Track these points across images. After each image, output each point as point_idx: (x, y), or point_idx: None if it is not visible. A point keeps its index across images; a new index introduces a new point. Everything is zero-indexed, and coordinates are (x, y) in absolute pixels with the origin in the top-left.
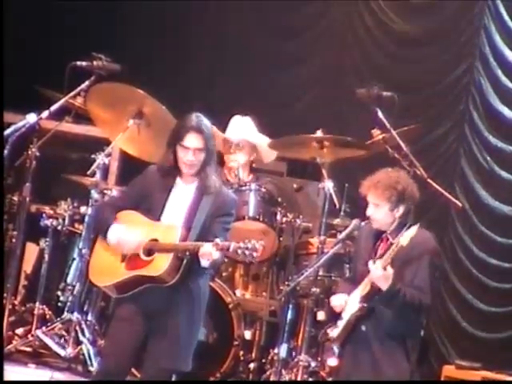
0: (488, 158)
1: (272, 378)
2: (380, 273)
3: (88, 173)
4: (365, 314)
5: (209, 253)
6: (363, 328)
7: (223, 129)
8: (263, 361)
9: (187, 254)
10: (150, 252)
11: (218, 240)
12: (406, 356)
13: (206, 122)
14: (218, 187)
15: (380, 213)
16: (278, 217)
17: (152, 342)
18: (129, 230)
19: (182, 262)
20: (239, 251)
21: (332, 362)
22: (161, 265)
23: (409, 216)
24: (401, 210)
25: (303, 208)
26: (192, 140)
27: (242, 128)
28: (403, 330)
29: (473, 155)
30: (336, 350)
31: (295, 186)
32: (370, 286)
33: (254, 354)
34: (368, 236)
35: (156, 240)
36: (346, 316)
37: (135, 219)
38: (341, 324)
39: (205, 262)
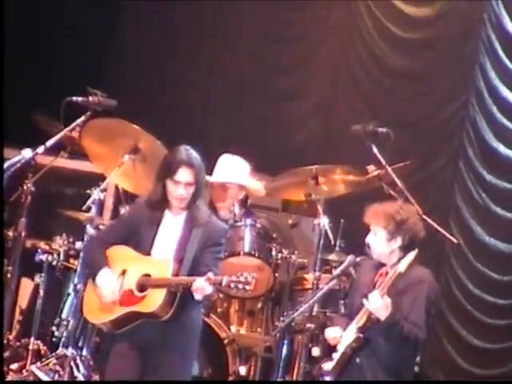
0: (483, 195)
1: None
2: (379, 302)
3: (83, 208)
4: (360, 346)
5: (202, 287)
6: (357, 360)
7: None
8: None
9: (180, 288)
10: (142, 288)
11: (210, 274)
12: None
13: (195, 155)
14: (207, 218)
15: (377, 241)
16: (274, 252)
17: (147, 377)
18: (108, 283)
19: (175, 296)
20: (232, 285)
21: None
22: (154, 300)
23: (409, 250)
24: (398, 241)
25: (298, 244)
26: (183, 174)
27: (228, 170)
28: (398, 364)
29: (468, 191)
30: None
31: (290, 221)
32: (367, 317)
33: None
34: (367, 271)
35: (148, 275)
36: (341, 348)
37: (126, 255)
38: (336, 356)
39: (198, 296)
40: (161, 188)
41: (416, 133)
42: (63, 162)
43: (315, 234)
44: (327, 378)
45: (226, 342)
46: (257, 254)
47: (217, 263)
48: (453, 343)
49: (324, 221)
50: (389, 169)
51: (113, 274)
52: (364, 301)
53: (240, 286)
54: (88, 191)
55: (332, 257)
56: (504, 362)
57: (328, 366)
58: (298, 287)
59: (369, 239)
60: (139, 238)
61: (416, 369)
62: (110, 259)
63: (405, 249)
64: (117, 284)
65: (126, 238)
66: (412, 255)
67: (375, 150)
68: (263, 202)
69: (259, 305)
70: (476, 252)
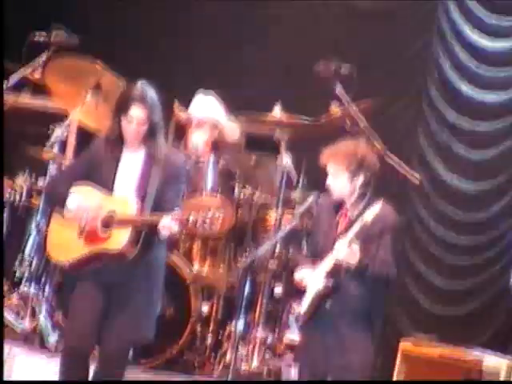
0: (446, 135)
1: (229, 353)
2: (347, 250)
3: (46, 146)
4: (329, 293)
5: (169, 225)
6: (327, 306)
7: (187, 105)
8: (220, 335)
9: (146, 226)
10: (107, 226)
11: (176, 212)
12: (370, 332)
13: (150, 92)
14: (166, 153)
15: (339, 182)
16: (236, 191)
17: (112, 315)
18: (87, 198)
19: (140, 234)
20: (199, 222)
21: (290, 336)
22: (120, 238)
23: (369, 187)
24: (360, 179)
25: (261, 182)
26: (135, 111)
27: (205, 106)
28: (369, 306)
29: (430, 131)
30: (295, 325)
31: (253, 159)
32: (335, 264)
33: (210, 329)
34: (328, 210)
35: (113, 213)
36: (311, 293)
37: (90, 192)
38: (306, 301)
39: (164, 234)
40: (117, 125)
41: (378, 73)
42: (26, 99)
43: (278, 172)
44: (293, 321)
45: (188, 280)
46: (219, 192)
47: (179, 199)
48: (414, 281)
49: (287, 159)
50: (352, 107)
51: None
52: (336, 245)
53: (207, 222)
54: (51, 129)
55: (295, 195)
56: (465, 302)
57: (300, 309)
58: (260, 226)
59: (329, 181)
60: (100, 176)
61: None
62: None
63: (365, 186)
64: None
65: (85, 176)
66: (378, 206)
67: (339, 88)
68: (223, 140)
69: (222, 244)
70: (438, 191)
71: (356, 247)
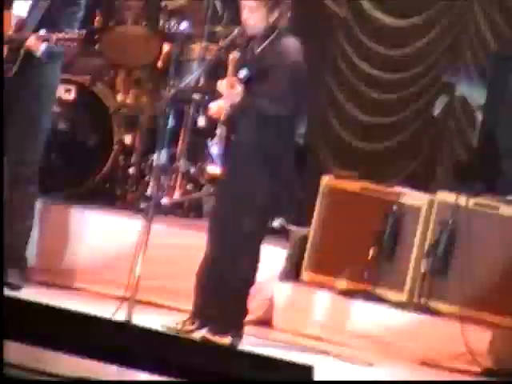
0: None
1: (151, 184)
2: (225, 91)
3: None
4: (229, 125)
5: (33, 44)
6: (232, 137)
7: None
8: (142, 166)
9: (22, 46)
10: None
11: (41, 31)
12: (267, 164)
13: None
14: None
15: (256, 17)
16: (161, 22)
17: (9, 136)
18: None
19: (18, 54)
20: (60, 42)
21: (211, 169)
22: None
23: (281, 22)
24: (275, 14)
25: (186, 13)
26: None
27: None
28: (265, 141)
29: None
30: (215, 157)
31: None
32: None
33: (133, 159)
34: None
35: None
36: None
37: None
38: (217, 134)
39: (39, 54)
40: None
41: None
42: None
43: (204, 3)
44: (213, 154)
45: (111, 110)
46: (144, 23)
47: (71, 23)
48: (337, 117)
49: None
50: None
51: None
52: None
53: (67, 43)
54: None
55: (220, 28)
56: (388, 137)
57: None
58: (185, 57)
59: (245, 16)
60: None
61: (301, 141)
62: None
63: (277, 21)
64: None
65: None
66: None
67: None
68: None
69: (146, 74)
70: (363, 26)
71: (238, 88)
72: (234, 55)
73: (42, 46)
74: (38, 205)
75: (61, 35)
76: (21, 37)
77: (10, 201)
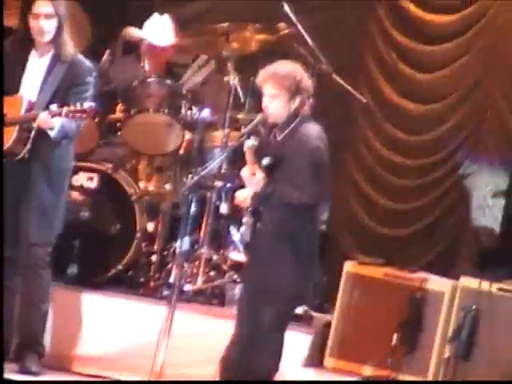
0: (393, 55)
1: (174, 271)
2: (248, 180)
3: None
4: (256, 213)
5: (44, 120)
6: (258, 225)
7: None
8: (165, 253)
9: (33, 125)
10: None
11: (52, 106)
12: (291, 253)
13: None
14: (73, 54)
15: (277, 104)
16: (183, 110)
17: (21, 218)
18: None
19: (29, 133)
20: (70, 115)
21: (234, 255)
22: (7, 138)
23: (303, 109)
24: (297, 101)
25: (208, 101)
26: (41, 6)
27: (159, 30)
28: (291, 228)
29: (377, 51)
30: (239, 244)
31: (201, 78)
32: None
33: (156, 246)
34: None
35: (4, 115)
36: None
37: None
38: (244, 222)
39: (52, 133)
40: (24, 24)
41: None
42: None
43: (225, 92)
44: (237, 241)
45: (133, 198)
46: (166, 111)
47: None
48: (360, 203)
49: (234, 78)
50: (300, 27)
51: None
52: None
53: (77, 115)
54: None
55: (241, 115)
56: (410, 222)
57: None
58: (207, 145)
59: (266, 103)
60: (7, 79)
61: (324, 227)
62: None
63: (299, 109)
64: None
65: None
66: (260, 116)
67: (287, 7)
68: (173, 59)
69: (168, 161)
70: (384, 112)
71: (259, 175)
72: (250, 142)
73: (55, 122)
74: (59, 290)
75: (72, 108)
76: (31, 116)
77: (25, 285)
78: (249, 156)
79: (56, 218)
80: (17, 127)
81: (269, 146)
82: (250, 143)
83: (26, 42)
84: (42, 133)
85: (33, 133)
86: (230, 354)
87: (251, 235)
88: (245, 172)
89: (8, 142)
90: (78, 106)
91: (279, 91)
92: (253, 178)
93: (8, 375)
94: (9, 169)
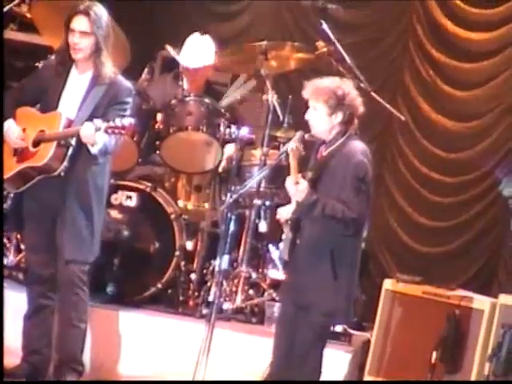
0: (431, 72)
1: (213, 289)
2: (292, 187)
3: None
4: (296, 228)
5: (87, 135)
6: (298, 241)
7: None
8: (204, 271)
9: (71, 140)
10: (38, 143)
11: (96, 121)
12: (331, 269)
13: (97, 8)
14: (112, 76)
15: (317, 117)
16: (222, 128)
17: (57, 236)
18: (21, 119)
19: (67, 149)
20: (110, 130)
21: (273, 273)
22: (44, 153)
23: (350, 127)
24: (339, 116)
25: (246, 119)
26: (77, 22)
27: (198, 52)
28: (330, 245)
29: (416, 69)
30: (278, 262)
31: (238, 96)
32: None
33: (195, 265)
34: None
35: (43, 131)
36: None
37: (26, 114)
38: (283, 238)
39: (93, 149)
40: (64, 41)
41: (364, 10)
42: (13, 34)
43: (263, 109)
44: (276, 259)
45: (172, 216)
46: (204, 129)
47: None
48: (398, 220)
49: (272, 96)
50: (338, 45)
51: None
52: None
53: (117, 131)
54: (37, 64)
55: (280, 133)
56: (449, 240)
57: (280, 246)
58: (245, 163)
59: (309, 115)
60: (47, 96)
61: (363, 245)
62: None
63: (345, 124)
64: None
65: (35, 96)
66: (299, 134)
67: (325, 26)
68: (211, 77)
69: (207, 180)
70: (423, 129)
71: (303, 184)
72: (294, 144)
73: (97, 138)
74: (98, 309)
75: (111, 124)
76: (72, 131)
77: (62, 304)
78: (292, 162)
79: (91, 236)
80: (55, 143)
81: (314, 162)
82: (294, 145)
83: (67, 59)
84: (79, 149)
85: (70, 149)
86: (270, 375)
87: (290, 251)
88: (289, 181)
89: (45, 158)
90: (118, 123)
91: (319, 104)
92: (296, 187)
93: None
94: (45, 182)
